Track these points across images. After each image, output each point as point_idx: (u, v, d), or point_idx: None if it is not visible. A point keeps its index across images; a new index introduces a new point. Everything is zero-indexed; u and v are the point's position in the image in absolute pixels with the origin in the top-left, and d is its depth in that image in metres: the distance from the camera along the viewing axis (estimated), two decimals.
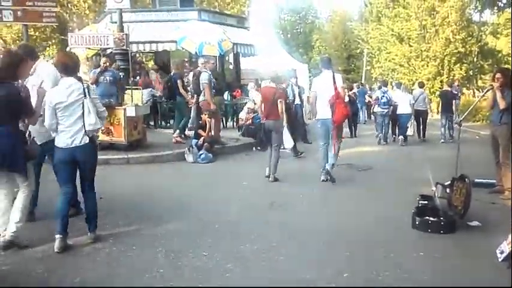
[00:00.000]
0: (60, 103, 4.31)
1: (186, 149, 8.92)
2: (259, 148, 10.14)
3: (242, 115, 11.87)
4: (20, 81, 4.50)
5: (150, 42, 13.82)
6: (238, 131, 11.52)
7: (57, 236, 4.36)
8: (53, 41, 28.34)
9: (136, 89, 10.70)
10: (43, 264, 4.11)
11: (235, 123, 12.71)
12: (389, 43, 26.75)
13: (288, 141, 8.04)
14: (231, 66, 18.76)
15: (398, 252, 4.42)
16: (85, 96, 4.37)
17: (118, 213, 5.48)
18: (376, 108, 12.97)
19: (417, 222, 5.06)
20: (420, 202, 5.44)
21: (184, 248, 4.46)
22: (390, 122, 12.75)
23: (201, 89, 9.26)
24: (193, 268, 4.02)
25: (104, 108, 4.74)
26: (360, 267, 4.08)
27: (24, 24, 9.46)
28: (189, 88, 10.53)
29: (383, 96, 12.51)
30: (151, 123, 12.42)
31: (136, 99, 9.71)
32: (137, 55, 16.11)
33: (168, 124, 12.42)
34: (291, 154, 9.32)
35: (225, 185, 7.16)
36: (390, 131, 12.98)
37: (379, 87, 13.80)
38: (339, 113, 6.97)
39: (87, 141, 4.41)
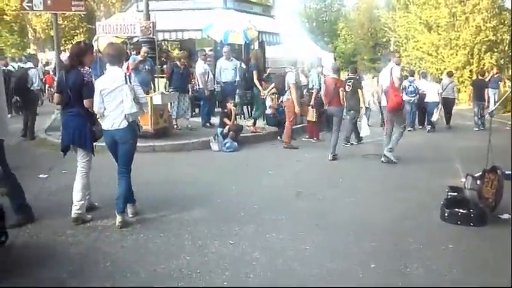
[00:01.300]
0: (105, 89, 4.72)
1: (211, 137, 8.95)
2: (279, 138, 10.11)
3: (267, 103, 11.80)
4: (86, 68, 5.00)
5: (176, 30, 13.85)
6: (263, 120, 11.48)
7: (120, 213, 4.81)
8: (81, 29, 28.76)
9: (162, 77, 10.77)
10: (74, 249, 4.22)
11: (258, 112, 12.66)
12: (417, 31, 26.13)
13: (364, 128, 9.43)
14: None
15: (426, 244, 4.36)
16: (125, 83, 4.68)
17: (144, 200, 5.53)
18: (404, 97, 12.95)
19: (446, 214, 4.98)
20: (449, 194, 5.34)
21: (211, 236, 4.50)
22: (417, 110, 13.03)
23: (286, 88, 9.17)
24: (220, 256, 4.05)
25: (145, 95, 5.07)
26: (387, 258, 4.05)
27: (54, 13, 9.59)
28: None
29: (410, 85, 12.75)
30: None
31: (162, 88, 9.78)
32: (163, 43, 16.16)
33: (194, 113, 12.47)
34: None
35: (250, 173, 7.17)
36: (417, 119, 13.24)
37: (406, 77, 13.95)
38: (391, 101, 7.77)
39: (126, 125, 4.74)
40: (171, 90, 10.10)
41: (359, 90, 9.84)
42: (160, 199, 5.58)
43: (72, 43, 29.11)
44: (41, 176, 6.67)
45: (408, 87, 12.83)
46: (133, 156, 4.97)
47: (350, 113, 9.66)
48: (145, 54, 9.16)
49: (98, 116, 4.90)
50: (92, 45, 5.65)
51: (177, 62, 10.48)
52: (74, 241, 4.39)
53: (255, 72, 9.96)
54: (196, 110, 12.38)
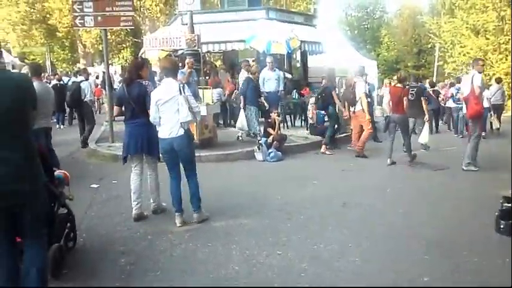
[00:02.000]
0: (160, 100, 4.98)
1: (256, 147, 8.99)
2: (328, 146, 10.03)
3: (309, 113, 11.78)
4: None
5: (219, 42, 14.07)
6: (307, 129, 11.45)
7: (176, 213, 5.16)
8: (127, 44, 29.71)
9: (206, 88, 10.94)
10: (125, 258, 4.31)
11: (303, 122, 12.65)
12: (464, 36, 25.37)
13: (424, 136, 9.59)
14: (298, 64, 18.68)
15: (481, 257, 4.19)
16: (180, 93, 4.95)
17: (184, 208, 5.61)
18: (451, 104, 13.39)
19: (502, 226, 4.77)
20: (504, 204, 5.12)
21: (258, 246, 4.50)
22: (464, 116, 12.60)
23: (357, 99, 9.24)
24: (268, 267, 4.05)
25: (198, 104, 5.38)
26: (440, 271, 3.92)
27: (104, 28, 9.98)
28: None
29: (457, 92, 12.66)
30: (221, 122, 12.63)
31: (206, 99, 9.93)
32: (206, 55, 16.45)
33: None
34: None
35: (295, 183, 7.14)
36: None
37: (452, 84, 13.94)
38: (471, 109, 7.87)
39: (182, 132, 5.00)
40: (247, 105, 10.10)
41: (422, 98, 9.87)
42: (207, 209, 5.62)
43: (118, 57, 30.15)
44: (92, 185, 6.89)
45: (455, 95, 12.97)
46: (195, 159, 5.33)
47: (411, 120, 9.55)
48: (193, 66, 9.36)
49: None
50: (148, 60, 5.91)
51: (251, 76, 10.42)
52: (125, 250, 4.50)
53: (333, 93, 9.88)
54: None
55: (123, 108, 5.45)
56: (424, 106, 9.86)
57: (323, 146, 9.61)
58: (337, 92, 10.54)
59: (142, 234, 4.91)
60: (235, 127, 12.27)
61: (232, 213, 5.55)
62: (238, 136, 10.43)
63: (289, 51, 13.81)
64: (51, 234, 3.73)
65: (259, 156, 8.86)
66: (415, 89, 9.95)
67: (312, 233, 4.87)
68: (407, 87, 9.28)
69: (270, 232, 4.88)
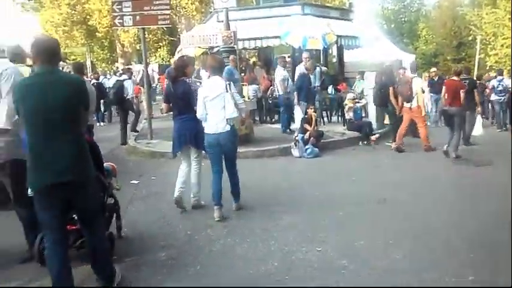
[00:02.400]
0: (207, 97, 5.21)
1: (293, 143, 8.95)
2: (365, 142, 9.89)
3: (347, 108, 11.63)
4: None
5: (255, 38, 14.05)
6: (344, 125, 11.32)
7: (216, 207, 5.27)
8: (164, 42, 30.15)
9: (243, 85, 10.98)
10: (165, 252, 4.38)
11: (340, 118, 12.50)
12: (507, 28, 24.47)
13: (478, 128, 9.73)
14: (334, 59, 18.47)
15: None
16: (226, 91, 5.18)
17: (229, 206, 5.65)
18: (493, 97, 13.01)
19: None
20: None
21: (297, 242, 4.48)
22: (508, 109, 12.63)
23: (413, 95, 9.16)
24: (308, 263, 4.02)
25: (242, 100, 5.61)
26: (485, 271, 3.79)
27: (142, 27, 10.17)
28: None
29: (499, 84, 12.54)
30: (257, 118, 12.65)
31: (243, 95, 9.96)
32: (242, 52, 16.49)
33: (273, 119, 12.58)
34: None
35: (333, 179, 7.07)
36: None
37: (494, 76, 13.56)
38: None
39: (228, 128, 5.24)
40: (301, 101, 10.13)
41: (474, 90, 9.65)
42: (245, 204, 5.66)
43: (155, 56, 30.64)
44: (132, 181, 7.03)
45: (497, 87, 12.70)
46: (236, 154, 5.55)
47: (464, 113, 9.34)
48: (235, 63, 9.49)
49: None
50: (193, 58, 6.18)
51: (305, 72, 10.46)
52: (165, 244, 4.57)
53: (391, 89, 9.70)
54: (276, 116, 12.49)
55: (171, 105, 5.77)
56: (477, 98, 9.75)
57: (393, 144, 9.39)
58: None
59: (181, 230, 4.98)
60: (271, 123, 12.30)
61: (270, 209, 5.54)
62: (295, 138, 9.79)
63: (326, 47, 13.64)
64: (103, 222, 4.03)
65: (296, 152, 8.82)
66: (468, 81, 9.58)
67: (351, 229, 4.81)
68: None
69: (308, 228, 4.85)
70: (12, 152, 3.95)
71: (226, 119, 5.18)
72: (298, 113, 10.20)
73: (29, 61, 6.92)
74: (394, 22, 45.31)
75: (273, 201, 5.86)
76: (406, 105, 9.27)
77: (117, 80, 12.33)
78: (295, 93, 10.31)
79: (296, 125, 10.12)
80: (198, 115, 5.32)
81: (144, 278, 3.83)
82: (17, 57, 5.59)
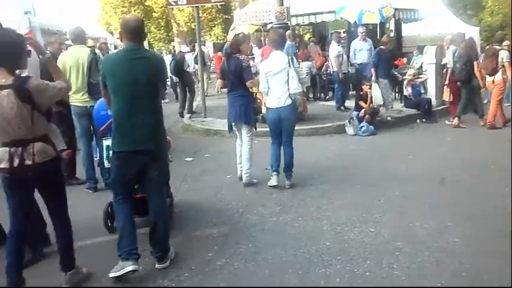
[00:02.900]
0: (270, 72, 5.36)
1: (347, 121, 8.76)
2: (423, 120, 9.51)
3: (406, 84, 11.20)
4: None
5: (309, 14, 13.71)
6: (401, 102, 10.92)
7: (273, 173, 5.52)
8: (218, 21, 30.27)
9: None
10: (217, 229, 4.43)
11: (397, 94, 12.07)
12: None
13: None
14: (391, 34, 17.77)
15: None
16: (289, 65, 5.30)
17: (282, 183, 5.62)
18: None
19: None
20: None
21: (350, 222, 4.40)
22: None
23: (499, 67, 8.67)
24: (360, 243, 3.94)
25: (305, 75, 5.67)
26: None
27: (196, 6, 10.22)
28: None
29: None
30: (311, 95, 12.47)
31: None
32: (296, 28, 16.21)
33: (328, 97, 12.36)
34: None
35: (388, 158, 6.86)
36: None
37: None
38: None
39: (290, 102, 5.36)
40: (380, 78, 9.85)
41: None
42: (297, 183, 5.62)
43: (210, 34, 30.86)
44: (186, 159, 7.15)
45: None
46: (294, 129, 5.65)
47: None
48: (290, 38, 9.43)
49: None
50: (249, 36, 6.67)
51: (383, 47, 10.15)
52: (217, 222, 4.62)
53: (475, 63, 9.10)
54: (330, 94, 12.26)
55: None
56: None
57: (455, 119, 8.95)
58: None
59: (234, 207, 5.02)
60: (325, 101, 12.09)
61: (323, 188, 5.48)
62: (386, 116, 9.43)
63: (382, 21, 13.12)
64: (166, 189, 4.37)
65: (350, 130, 8.63)
66: None
67: (407, 210, 4.66)
68: None
69: (362, 208, 4.74)
70: None
71: (290, 94, 5.30)
72: (377, 92, 9.71)
73: (89, 42, 7.15)
74: None
75: (326, 180, 5.78)
76: (489, 79, 8.74)
77: (180, 52, 12.70)
78: (373, 69, 9.91)
79: (378, 101, 9.68)
80: (261, 89, 5.62)
81: (195, 255, 3.89)
82: (78, 38, 5.81)
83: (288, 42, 9.68)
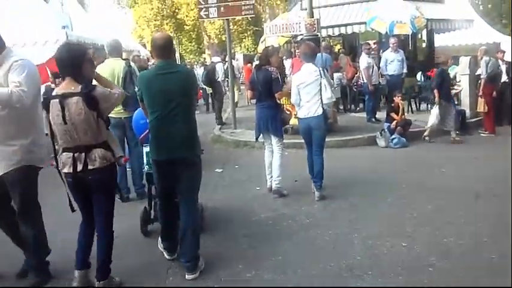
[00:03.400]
0: (301, 84, 5.51)
1: (378, 133, 8.65)
2: (457, 132, 9.28)
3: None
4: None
5: (339, 25, 13.70)
6: None
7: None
8: (248, 33, 30.55)
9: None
10: (247, 241, 4.43)
11: (430, 106, 11.84)
12: None
13: None
14: (423, 45, 17.52)
15: None
16: (321, 76, 5.45)
17: (312, 196, 5.59)
18: None
19: None
20: None
21: (381, 236, 4.32)
22: None
23: None
24: (392, 258, 3.86)
25: (336, 86, 5.83)
26: None
27: (227, 18, 10.36)
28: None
29: None
30: (341, 107, 12.39)
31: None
32: (326, 40, 16.19)
33: (358, 108, 12.25)
34: None
35: (421, 171, 6.71)
36: None
37: None
38: None
39: (320, 112, 5.48)
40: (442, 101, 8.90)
41: None
42: (327, 195, 5.57)
43: (240, 46, 31.16)
44: (217, 170, 7.19)
45: None
46: (325, 139, 5.76)
47: None
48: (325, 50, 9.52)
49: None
50: (278, 49, 7.06)
51: (444, 68, 9.35)
52: (247, 233, 4.62)
53: None
54: (361, 105, 12.15)
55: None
56: None
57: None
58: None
59: (263, 219, 5.01)
60: (355, 112, 11.99)
61: (353, 201, 5.41)
62: (424, 136, 8.81)
63: (414, 31, 12.96)
64: None
65: (381, 142, 8.51)
66: None
67: (440, 225, 4.54)
68: None
69: (394, 222, 4.66)
70: (25, 156, 3.53)
71: (324, 103, 5.45)
72: (433, 115, 8.80)
73: (123, 55, 7.31)
74: (491, 2, 41.92)
75: (357, 192, 5.71)
76: None
77: (211, 62, 12.97)
78: (436, 91, 8.86)
79: (432, 121, 8.79)
80: (292, 101, 5.73)
81: (225, 266, 3.89)
82: (114, 50, 5.95)
83: (325, 54, 9.71)
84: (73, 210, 3.55)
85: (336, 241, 4.31)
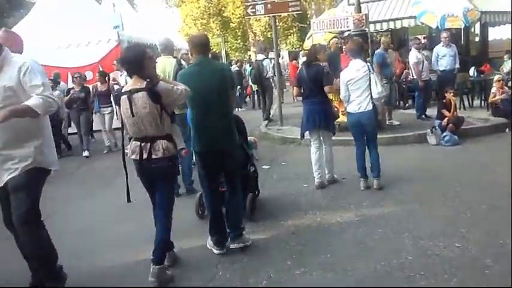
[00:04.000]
0: (351, 80, 5.57)
1: (428, 130, 8.40)
2: None
3: (493, 91, 10.55)
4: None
5: (388, 20, 13.43)
6: (487, 110, 10.30)
7: (361, 179, 5.78)
8: (294, 29, 30.47)
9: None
10: (295, 238, 4.44)
11: (483, 102, 11.41)
12: None
13: None
14: (476, 38, 16.86)
15: None
16: (370, 72, 5.56)
17: (361, 193, 5.54)
18: None
19: None
20: None
21: (433, 236, 4.22)
22: None
23: None
24: (445, 259, 3.76)
25: (385, 81, 6.21)
26: None
27: (273, 15, 10.38)
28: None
29: None
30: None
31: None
32: (374, 35, 15.89)
33: (407, 105, 11.96)
34: None
35: (473, 169, 6.47)
36: None
37: None
38: None
39: (371, 107, 5.56)
40: None
41: None
42: (376, 193, 5.50)
43: (285, 43, 31.13)
44: (264, 166, 7.22)
45: None
46: (377, 132, 5.91)
47: None
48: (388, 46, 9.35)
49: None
50: (324, 46, 7.18)
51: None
52: (295, 230, 4.64)
53: None
54: (410, 101, 11.85)
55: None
56: None
57: None
58: None
59: (311, 216, 5.01)
60: (404, 109, 11.71)
61: (403, 199, 5.31)
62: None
63: (467, 25, 12.51)
64: (248, 186, 4.95)
65: (432, 140, 8.27)
66: None
67: (496, 225, 4.37)
68: None
69: (446, 222, 4.53)
70: (37, 158, 3.44)
71: (374, 98, 5.50)
72: None
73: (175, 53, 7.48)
74: None
75: (407, 191, 5.59)
76: None
77: (257, 60, 13.01)
78: None
79: None
80: (342, 97, 5.81)
81: (273, 263, 3.93)
82: (166, 49, 6.13)
83: (379, 50, 9.57)
84: (129, 200, 3.82)
85: (386, 240, 4.24)
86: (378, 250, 4.04)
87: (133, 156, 3.69)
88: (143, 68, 3.57)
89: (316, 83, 5.73)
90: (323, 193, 5.76)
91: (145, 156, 3.60)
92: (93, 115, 10.13)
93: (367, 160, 5.83)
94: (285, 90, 15.75)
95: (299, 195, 5.75)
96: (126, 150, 3.79)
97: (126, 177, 3.78)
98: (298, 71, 6.61)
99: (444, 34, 10.64)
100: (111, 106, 9.73)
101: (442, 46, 10.55)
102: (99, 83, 9.98)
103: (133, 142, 3.69)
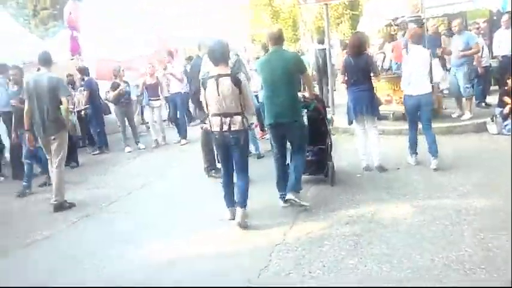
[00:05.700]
0: (412, 65, 5.96)
1: (489, 118, 8.03)
2: None
3: None
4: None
5: (444, 5, 12.88)
6: None
7: (412, 155, 6.19)
8: (345, 17, 29.95)
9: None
10: (349, 228, 4.41)
11: None
12: None
13: None
14: None
15: None
16: (431, 58, 6.06)
17: (416, 184, 5.40)
18: None
19: None
20: None
21: (495, 229, 4.06)
22: None
23: None
24: (508, 253, 3.58)
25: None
26: None
27: (325, 3, 10.23)
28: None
29: None
30: (446, 91, 11.69)
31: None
32: (430, 20, 15.31)
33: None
34: None
35: None
36: None
37: None
38: None
39: (428, 90, 5.96)
40: None
41: None
42: (433, 183, 5.34)
43: (336, 31, 30.69)
44: None
45: None
46: (431, 114, 6.18)
47: None
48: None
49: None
50: (367, 35, 7.50)
51: None
52: (349, 221, 4.60)
53: None
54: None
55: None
56: None
57: None
58: None
59: (365, 206, 4.94)
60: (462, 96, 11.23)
61: (461, 191, 5.13)
62: None
63: None
64: (329, 155, 5.78)
65: (492, 128, 7.90)
66: None
67: None
68: None
69: (509, 214, 4.31)
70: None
71: (434, 82, 5.89)
72: None
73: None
74: None
75: (466, 182, 5.39)
76: None
77: (319, 49, 12.88)
78: None
79: None
80: (403, 82, 6.12)
81: (327, 253, 3.92)
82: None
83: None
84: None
85: (444, 232, 4.12)
86: (436, 242, 3.93)
87: (214, 128, 4.59)
88: (228, 59, 4.64)
89: (364, 71, 6.01)
90: (376, 183, 5.66)
91: (225, 128, 4.52)
92: (143, 108, 10.41)
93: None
94: (335, 79, 15.53)
95: (352, 185, 5.69)
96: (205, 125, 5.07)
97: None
98: (344, 59, 6.54)
99: (504, 17, 10.08)
100: (160, 99, 10.01)
101: (504, 30, 10.01)
102: (148, 76, 10.13)
103: (214, 117, 4.57)
